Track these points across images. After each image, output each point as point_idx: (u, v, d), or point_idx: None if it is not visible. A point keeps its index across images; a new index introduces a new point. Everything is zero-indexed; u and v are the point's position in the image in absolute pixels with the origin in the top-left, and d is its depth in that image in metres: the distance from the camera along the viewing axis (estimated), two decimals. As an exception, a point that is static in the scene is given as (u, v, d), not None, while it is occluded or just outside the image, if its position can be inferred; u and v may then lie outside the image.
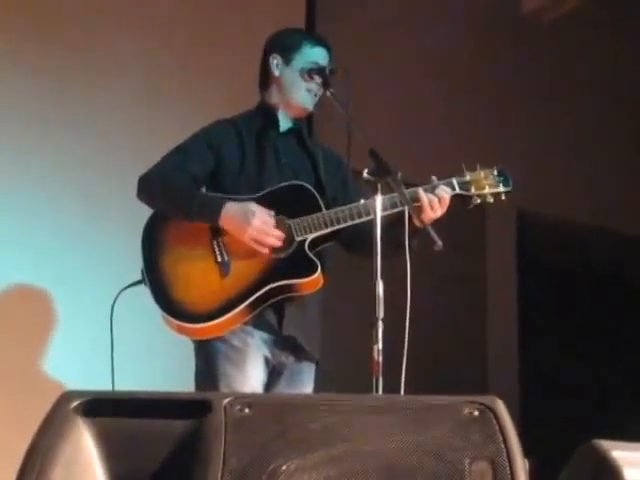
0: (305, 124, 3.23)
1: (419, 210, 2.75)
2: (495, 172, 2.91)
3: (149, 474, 1.69)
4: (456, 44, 5.47)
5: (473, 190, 2.88)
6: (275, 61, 3.06)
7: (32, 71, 4.01)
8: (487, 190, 2.89)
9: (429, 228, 2.55)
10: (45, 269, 3.88)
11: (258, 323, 2.86)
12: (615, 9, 5.87)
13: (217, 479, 1.62)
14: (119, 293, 2.90)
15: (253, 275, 2.81)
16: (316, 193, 2.92)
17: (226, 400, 1.73)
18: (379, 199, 2.57)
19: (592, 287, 5.82)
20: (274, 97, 3.07)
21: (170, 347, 3.32)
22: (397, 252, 2.59)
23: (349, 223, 2.84)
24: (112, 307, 2.89)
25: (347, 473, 1.66)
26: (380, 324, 2.44)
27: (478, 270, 5.55)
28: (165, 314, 2.80)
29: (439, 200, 2.79)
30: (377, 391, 2.39)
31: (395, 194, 2.71)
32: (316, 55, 3.02)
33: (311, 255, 2.84)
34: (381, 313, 2.44)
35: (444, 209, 2.81)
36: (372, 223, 2.55)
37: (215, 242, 2.85)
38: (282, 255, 2.83)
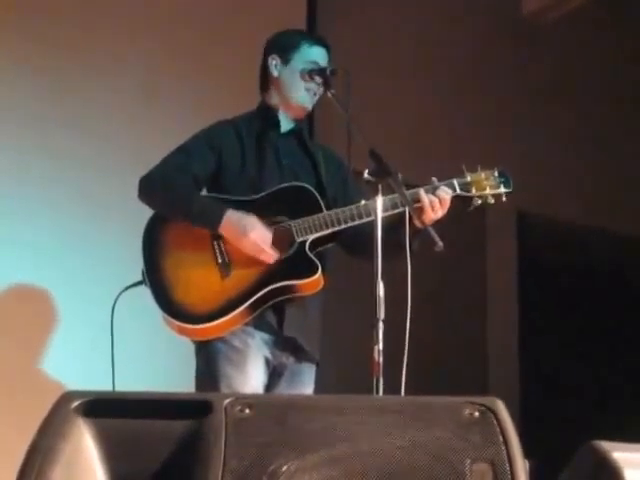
0: (306, 125, 3.24)
1: (420, 211, 2.75)
2: (496, 173, 2.91)
3: (149, 474, 1.69)
4: (456, 44, 5.47)
5: (474, 191, 2.88)
6: (274, 62, 3.06)
7: (32, 71, 4.01)
8: (488, 191, 2.88)
9: (430, 229, 2.55)
10: (45, 269, 3.88)
11: (259, 324, 2.86)
12: (615, 9, 5.87)
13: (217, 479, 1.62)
14: (120, 294, 2.90)
15: (254, 276, 2.82)
16: (317, 194, 2.92)
17: (227, 401, 1.73)
18: (380, 200, 2.57)
19: (592, 287, 5.82)
20: (274, 98, 3.08)
21: (170, 348, 3.32)
22: (398, 253, 2.59)
23: (350, 224, 2.84)
24: (113, 308, 2.89)
25: (347, 474, 1.66)
26: (380, 325, 2.44)
27: (478, 270, 5.55)
28: (166, 315, 2.80)
29: (440, 201, 2.79)
30: (377, 392, 2.39)
31: (396, 195, 2.71)
32: (315, 54, 3.02)
33: (312, 256, 2.84)
34: (381, 314, 2.44)
35: (445, 210, 2.81)
36: (373, 224, 2.55)
37: (216, 243, 2.85)
38: (283, 256, 2.83)
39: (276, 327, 2.88)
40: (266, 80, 3.10)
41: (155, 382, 3.45)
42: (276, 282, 2.80)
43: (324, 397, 1.90)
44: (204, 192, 3.02)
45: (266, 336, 2.88)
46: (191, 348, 2.93)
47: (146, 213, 2.94)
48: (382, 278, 2.47)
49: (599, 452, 1.71)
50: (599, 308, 5.72)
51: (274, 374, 2.92)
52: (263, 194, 2.92)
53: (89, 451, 1.70)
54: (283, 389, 2.92)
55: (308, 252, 2.83)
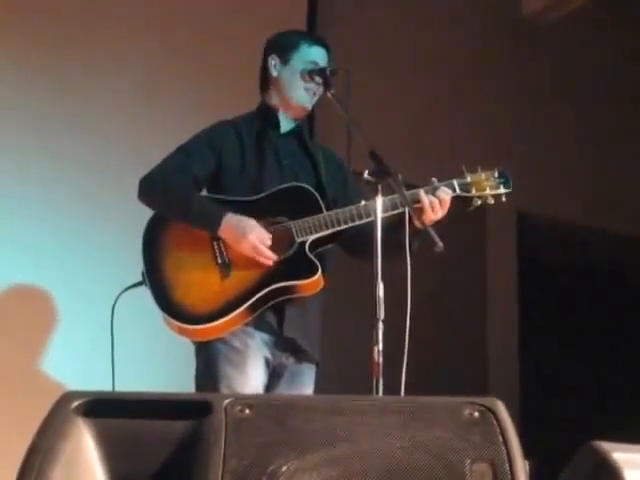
0: (306, 125, 3.23)
1: (420, 211, 2.75)
2: (496, 174, 2.90)
3: (149, 475, 1.69)
4: (456, 44, 5.47)
5: (474, 191, 2.88)
6: (273, 62, 3.06)
7: (32, 71, 4.01)
8: (488, 191, 2.88)
9: (430, 229, 2.55)
10: (45, 269, 3.88)
11: (259, 324, 2.86)
12: (615, 9, 5.87)
13: (217, 480, 1.62)
14: (120, 294, 2.90)
15: (253, 277, 2.81)
16: (317, 194, 2.92)
17: (226, 401, 1.74)
18: (379, 200, 2.57)
19: (592, 287, 5.82)
20: (274, 98, 3.08)
21: (170, 348, 3.32)
22: (398, 253, 2.59)
23: (350, 224, 2.84)
24: (113, 308, 2.89)
25: (347, 474, 1.66)
26: (380, 325, 2.44)
27: (478, 270, 5.55)
28: (166, 315, 2.80)
29: (440, 201, 2.79)
30: (377, 392, 2.39)
31: (396, 195, 2.71)
32: (314, 54, 3.02)
33: (311, 256, 2.83)
34: (381, 314, 2.44)
35: (445, 210, 2.81)
36: (373, 225, 2.54)
37: (216, 244, 2.85)
38: (283, 257, 2.83)
39: (276, 327, 2.88)
40: (266, 80, 3.10)
41: (155, 382, 3.45)
42: (276, 282, 2.80)
43: (324, 397, 1.90)
44: (204, 192, 3.02)
45: (266, 336, 2.88)
46: (191, 348, 2.93)
47: (146, 213, 2.94)
48: (382, 278, 2.47)
49: (599, 452, 1.71)
50: (599, 308, 5.72)
51: (274, 374, 2.92)
52: (263, 194, 2.92)
53: (89, 451, 1.70)
54: (283, 389, 2.92)
55: (308, 253, 2.83)
